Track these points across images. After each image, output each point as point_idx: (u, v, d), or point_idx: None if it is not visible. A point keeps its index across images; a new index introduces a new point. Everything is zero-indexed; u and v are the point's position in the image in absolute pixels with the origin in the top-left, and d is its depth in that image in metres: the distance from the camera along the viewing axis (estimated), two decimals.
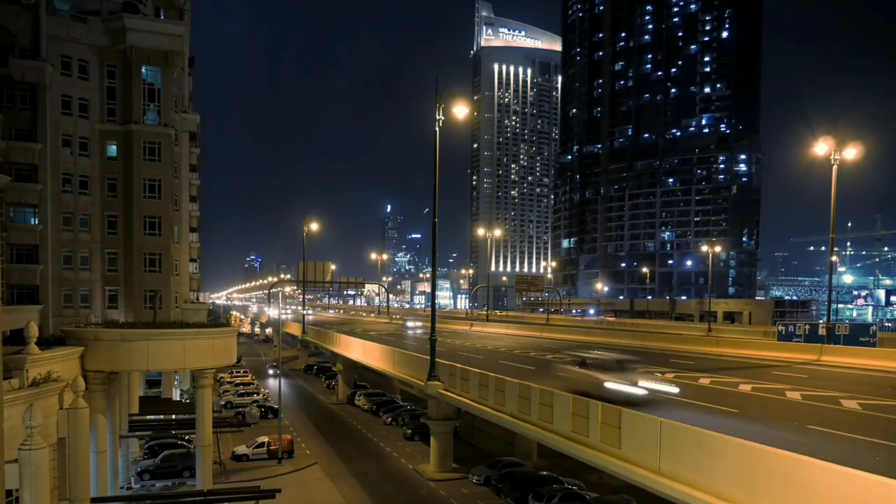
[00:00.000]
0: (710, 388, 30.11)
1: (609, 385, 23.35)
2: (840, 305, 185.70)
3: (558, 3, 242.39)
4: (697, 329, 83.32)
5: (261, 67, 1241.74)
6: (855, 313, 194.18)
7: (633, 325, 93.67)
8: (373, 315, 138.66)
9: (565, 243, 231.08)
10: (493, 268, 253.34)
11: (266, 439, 46.29)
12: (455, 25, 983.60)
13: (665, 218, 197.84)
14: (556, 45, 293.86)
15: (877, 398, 26.49)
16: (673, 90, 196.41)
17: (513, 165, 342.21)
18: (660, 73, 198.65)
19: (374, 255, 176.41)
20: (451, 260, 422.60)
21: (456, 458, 43.68)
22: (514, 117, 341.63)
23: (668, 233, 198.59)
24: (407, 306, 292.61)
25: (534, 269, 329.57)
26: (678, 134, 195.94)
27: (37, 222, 46.36)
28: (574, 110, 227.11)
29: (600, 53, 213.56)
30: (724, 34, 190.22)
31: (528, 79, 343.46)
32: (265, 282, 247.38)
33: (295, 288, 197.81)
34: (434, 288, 39.68)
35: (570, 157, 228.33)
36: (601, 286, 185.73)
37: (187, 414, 41.75)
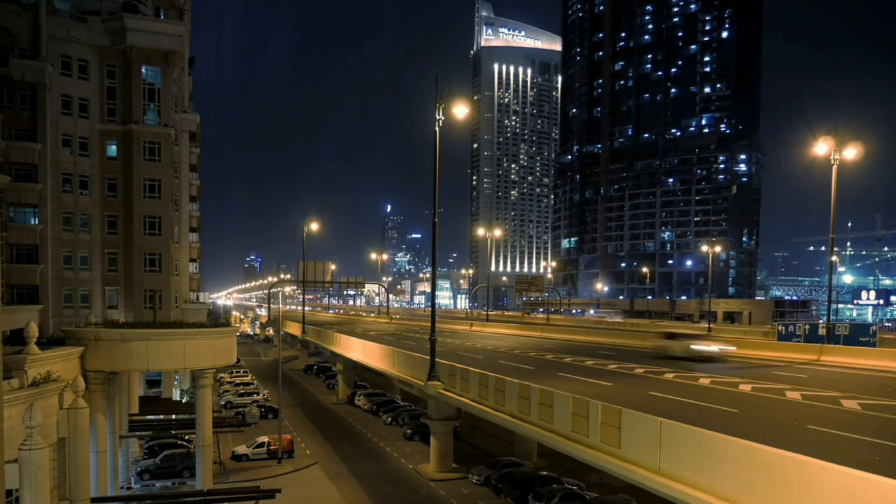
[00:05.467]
0: (710, 388, 30.12)
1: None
2: (840, 305, 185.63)
3: (558, 3, 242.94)
4: (697, 329, 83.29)
5: (261, 67, 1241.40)
6: (855, 313, 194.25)
7: (633, 324, 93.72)
8: (373, 315, 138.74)
9: (565, 243, 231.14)
10: (493, 268, 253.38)
11: (266, 439, 46.25)
12: (455, 25, 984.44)
13: (665, 218, 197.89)
14: (556, 45, 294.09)
15: (877, 398, 26.49)
16: (673, 90, 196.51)
17: (513, 165, 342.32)
18: (660, 73, 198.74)
19: (374, 255, 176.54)
20: (451, 260, 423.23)
21: (456, 458, 43.65)
22: (514, 117, 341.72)
23: (668, 233, 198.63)
24: (407, 306, 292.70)
25: (534, 269, 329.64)
26: (678, 134, 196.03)
27: (37, 222, 46.35)
28: (574, 110, 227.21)
29: (600, 53, 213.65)
30: (724, 34, 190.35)
31: (528, 79, 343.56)
32: (265, 282, 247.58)
33: (295, 288, 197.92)
34: (434, 288, 39.65)
35: (570, 157, 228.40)
36: (601, 286, 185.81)
37: (187, 414, 41.75)
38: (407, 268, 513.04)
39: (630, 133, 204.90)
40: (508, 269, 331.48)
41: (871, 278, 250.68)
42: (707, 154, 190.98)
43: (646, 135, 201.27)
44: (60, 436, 21.31)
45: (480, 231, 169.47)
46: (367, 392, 68.95)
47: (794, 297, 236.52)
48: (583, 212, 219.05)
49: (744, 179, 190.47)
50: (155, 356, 29.55)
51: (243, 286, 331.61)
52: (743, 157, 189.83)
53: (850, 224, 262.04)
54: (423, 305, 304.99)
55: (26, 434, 17.73)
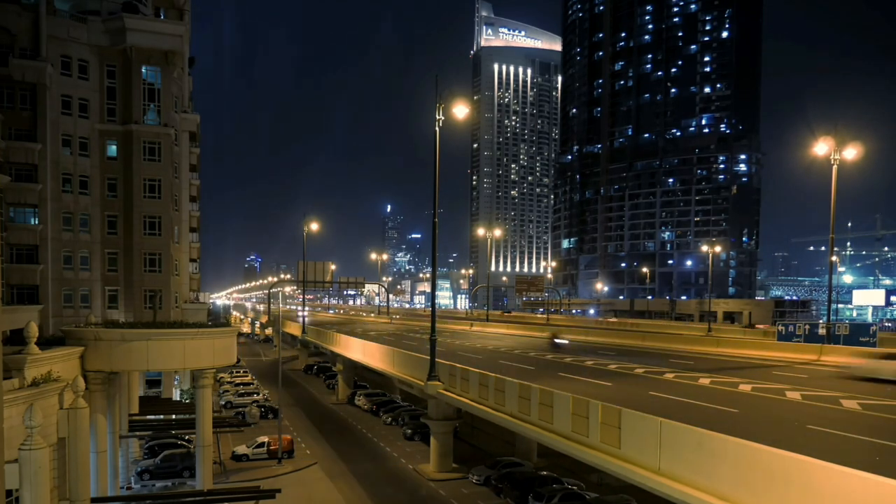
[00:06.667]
0: (708, 387, 30.13)
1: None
2: (840, 305, 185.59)
3: (558, 3, 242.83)
4: (697, 329, 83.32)
5: (261, 67, 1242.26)
6: (855, 313, 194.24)
7: (633, 324, 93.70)
8: (373, 315, 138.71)
9: (565, 243, 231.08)
10: (493, 268, 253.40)
11: (266, 439, 46.25)
12: (455, 25, 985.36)
13: (665, 218, 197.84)
14: (556, 45, 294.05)
15: (877, 398, 26.50)
16: (673, 90, 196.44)
17: (513, 165, 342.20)
18: (660, 73, 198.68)
19: (374, 255, 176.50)
20: (451, 260, 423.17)
21: (456, 458, 43.65)
22: (514, 117, 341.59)
23: (668, 233, 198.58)
24: (407, 306, 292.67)
25: (534, 269, 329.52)
26: (678, 134, 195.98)
27: (37, 222, 46.34)
28: (574, 110, 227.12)
29: (600, 53, 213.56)
30: (724, 34, 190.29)
31: (528, 79, 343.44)
32: (265, 282, 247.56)
33: (295, 288, 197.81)
34: (434, 288, 39.65)
35: (570, 157, 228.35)
36: (601, 286, 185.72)
37: (187, 414, 41.75)
38: (407, 268, 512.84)
39: (630, 133, 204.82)
40: (508, 269, 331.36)
41: (871, 278, 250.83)
42: (707, 154, 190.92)
43: (646, 135, 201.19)
44: (60, 436, 21.31)
45: (480, 231, 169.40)
46: (367, 392, 68.94)
47: (794, 297, 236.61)
48: (583, 212, 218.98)
49: (744, 179, 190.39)
50: (155, 356, 29.54)
51: (243, 286, 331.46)
52: (743, 157, 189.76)
53: (850, 224, 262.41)
54: (423, 305, 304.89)
55: (26, 434, 17.74)
